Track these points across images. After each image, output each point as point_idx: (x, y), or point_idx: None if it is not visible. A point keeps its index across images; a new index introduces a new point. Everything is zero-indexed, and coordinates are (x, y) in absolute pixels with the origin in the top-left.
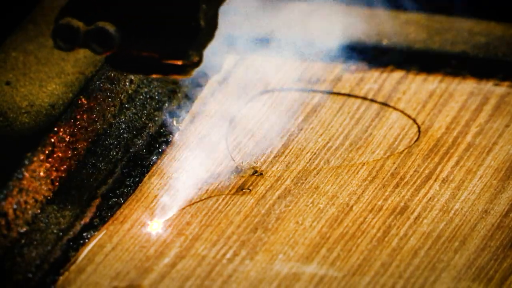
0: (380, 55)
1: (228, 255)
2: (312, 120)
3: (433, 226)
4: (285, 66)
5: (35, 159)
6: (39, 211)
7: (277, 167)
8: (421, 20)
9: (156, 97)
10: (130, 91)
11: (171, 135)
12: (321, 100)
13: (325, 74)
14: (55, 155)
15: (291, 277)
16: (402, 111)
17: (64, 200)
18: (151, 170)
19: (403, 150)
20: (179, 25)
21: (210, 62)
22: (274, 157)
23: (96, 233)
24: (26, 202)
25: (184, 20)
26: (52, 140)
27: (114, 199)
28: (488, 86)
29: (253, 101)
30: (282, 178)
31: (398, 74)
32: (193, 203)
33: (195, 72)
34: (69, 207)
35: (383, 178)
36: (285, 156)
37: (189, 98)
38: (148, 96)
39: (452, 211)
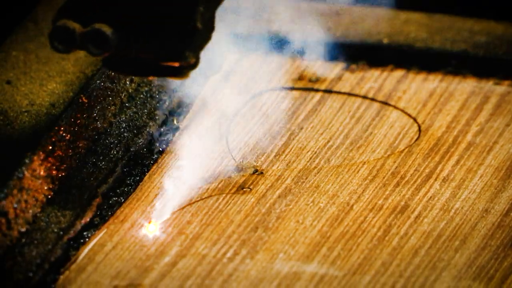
0: (380, 54)
1: (228, 254)
2: (312, 119)
3: (433, 225)
4: (286, 65)
5: (35, 158)
6: (39, 210)
7: (278, 166)
8: (421, 19)
9: (157, 96)
10: (130, 90)
11: (171, 134)
12: (321, 99)
13: (325, 73)
14: (55, 154)
15: (292, 276)
16: (402, 110)
17: (64, 199)
18: (152, 169)
19: (403, 149)
20: (176, 27)
21: (210, 61)
22: (275, 156)
23: (96, 232)
24: (26, 201)
25: (181, 21)
26: (53, 139)
27: (114, 198)
28: (488, 85)
29: (253, 100)
30: (282, 177)
31: (398, 73)
32: (193, 202)
33: (195, 71)
34: (70, 206)
35: (384, 177)
36: (286, 155)
37: (189, 97)
38: (148, 95)
39: (453, 210)
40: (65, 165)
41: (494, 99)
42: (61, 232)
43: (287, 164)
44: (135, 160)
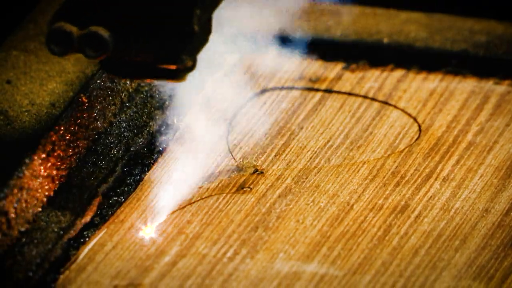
0: (380, 54)
1: (228, 254)
2: (312, 119)
3: (433, 225)
4: (286, 65)
5: (35, 157)
6: (39, 209)
7: (278, 166)
8: (421, 19)
9: (157, 96)
10: (130, 90)
11: (171, 134)
12: (321, 98)
13: (325, 73)
14: (55, 154)
15: (292, 276)
16: (402, 110)
17: (64, 198)
18: (152, 169)
19: (403, 149)
20: (173, 30)
21: (210, 60)
22: (275, 155)
23: (96, 231)
24: (26, 201)
25: (178, 24)
26: (53, 138)
27: (114, 198)
28: (488, 84)
29: (254, 99)
30: (282, 176)
31: (398, 73)
32: (193, 202)
33: (194, 72)
34: (70, 205)
35: (384, 177)
36: (286, 155)
37: (189, 97)
38: (148, 95)
39: (453, 210)
40: (65, 165)
41: (494, 99)
42: (61, 232)
43: (287, 164)
44: (135, 160)
